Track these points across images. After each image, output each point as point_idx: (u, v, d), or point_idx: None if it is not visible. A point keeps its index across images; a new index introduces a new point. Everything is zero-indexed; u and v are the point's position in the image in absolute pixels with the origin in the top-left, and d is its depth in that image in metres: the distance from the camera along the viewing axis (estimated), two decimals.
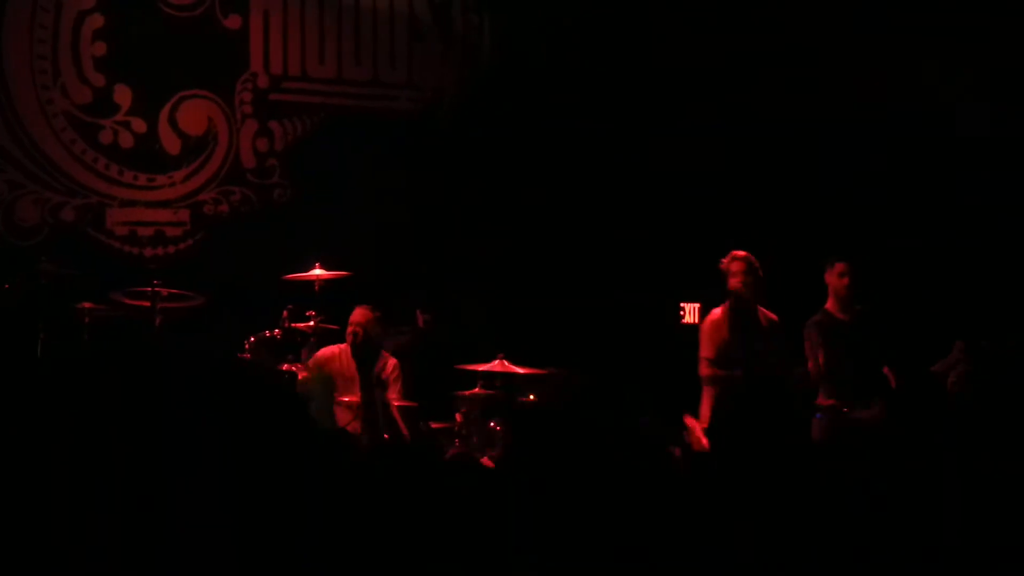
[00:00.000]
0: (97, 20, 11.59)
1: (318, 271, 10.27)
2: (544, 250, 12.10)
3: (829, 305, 9.59)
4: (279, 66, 12.08)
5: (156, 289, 10.02)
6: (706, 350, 9.31)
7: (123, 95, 11.62)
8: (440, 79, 12.55)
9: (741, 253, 9.35)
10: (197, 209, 11.78)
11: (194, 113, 11.82)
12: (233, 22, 11.94)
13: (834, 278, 9.59)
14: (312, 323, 10.05)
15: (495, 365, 9.90)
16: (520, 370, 9.93)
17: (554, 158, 12.30)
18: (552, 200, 12.28)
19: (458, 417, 10.03)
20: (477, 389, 10.03)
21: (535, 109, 12.42)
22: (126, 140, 11.64)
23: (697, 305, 11.28)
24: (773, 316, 9.42)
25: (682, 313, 11.60)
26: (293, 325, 9.99)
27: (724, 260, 9.40)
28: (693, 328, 10.86)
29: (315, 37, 12.16)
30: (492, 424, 9.92)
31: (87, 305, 10.07)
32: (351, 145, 12.02)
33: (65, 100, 11.52)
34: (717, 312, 9.42)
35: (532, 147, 12.30)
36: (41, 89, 11.44)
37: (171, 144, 11.75)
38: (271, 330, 9.97)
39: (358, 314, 10.21)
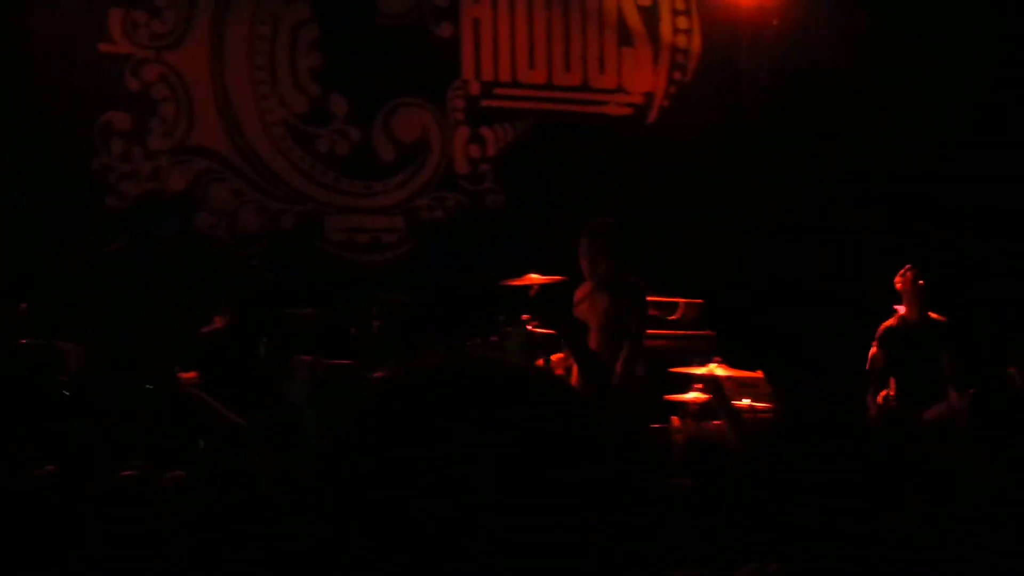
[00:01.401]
0: (313, 31, 11.83)
1: (534, 276, 10.36)
2: (756, 251, 12.05)
3: (903, 310, 9.78)
4: (490, 73, 12.22)
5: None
6: None
7: (339, 104, 11.85)
8: (649, 83, 12.57)
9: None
10: (412, 215, 11.96)
11: (408, 121, 12.01)
12: (445, 30, 12.11)
13: (904, 282, 9.71)
14: (528, 327, 10.12)
15: (710, 369, 9.91)
16: (736, 374, 9.94)
17: (763, 160, 12.24)
18: (763, 202, 12.22)
19: (675, 421, 10.04)
20: (693, 393, 10.03)
21: (743, 110, 12.40)
22: (342, 148, 11.87)
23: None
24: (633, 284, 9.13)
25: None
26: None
27: None
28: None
29: (525, 43, 12.27)
30: (708, 429, 9.91)
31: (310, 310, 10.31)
32: (561, 149, 12.10)
33: (283, 110, 11.79)
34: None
35: (741, 149, 12.27)
36: (260, 99, 11.71)
37: (385, 151, 11.95)
38: (487, 336, 10.06)
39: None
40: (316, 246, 11.70)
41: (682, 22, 12.62)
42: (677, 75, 12.62)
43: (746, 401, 9.94)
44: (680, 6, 12.62)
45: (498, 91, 12.22)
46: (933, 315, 9.87)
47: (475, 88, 12.17)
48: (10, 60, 10.85)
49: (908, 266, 9.86)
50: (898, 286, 9.87)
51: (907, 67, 12.08)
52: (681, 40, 12.64)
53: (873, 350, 9.90)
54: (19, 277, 10.48)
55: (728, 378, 9.95)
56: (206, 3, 11.60)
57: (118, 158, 11.27)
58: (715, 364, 9.92)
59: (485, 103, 12.18)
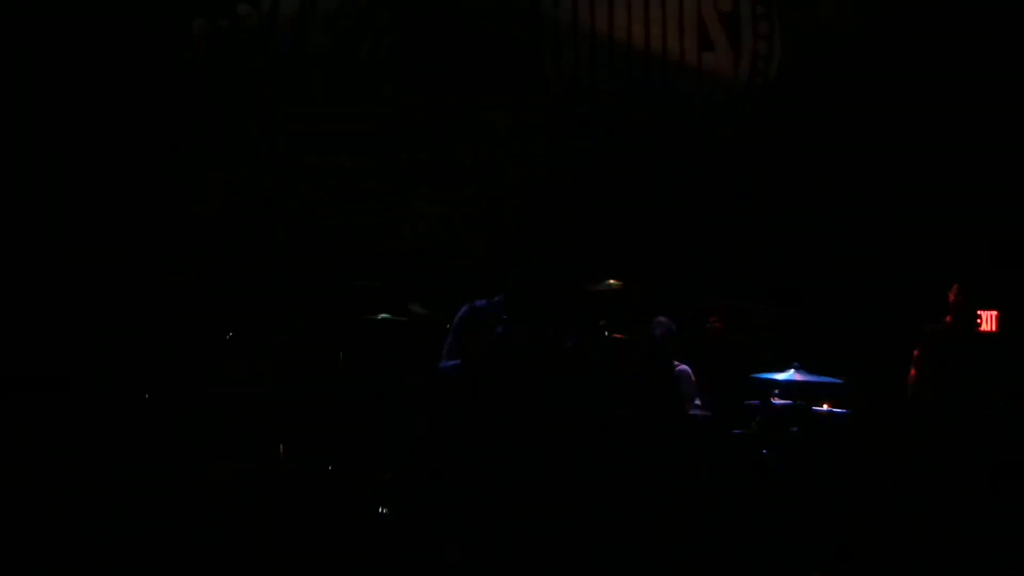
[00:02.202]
0: (393, 38, 11.92)
1: (613, 282, 10.35)
2: (837, 255, 11.96)
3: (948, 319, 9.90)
4: (570, 79, 12.21)
5: None
6: None
7: (419, 111, 11.91)
8: (730, 88, 12.51)
9: None
10: (491, 222, 11.99)
11: (488, 126, 12.04)
12: (525, 37, 12.12)
13: (953, 295, 9.75)
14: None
15: (790, 374, 9.88)
16: (815, 379, 9.89)
17: (842, 167, 12.16)
18: (841, 207, 12.13)
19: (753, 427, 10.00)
20: (772, 399, 9.99)
21: (826, 117, 12.30)
22: (422, 156, 11.93)
23: (994, 313, 11.01)
24: None
25: (979, 321, 11.34)
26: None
27: None
28: (989, 337, 10.65)
29: (605, 48, 12.25)
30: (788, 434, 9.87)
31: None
32: (642, 155, 12.07)
33: (363, 117, 11.88)
34: None
35: (822, 155, 12.18)
36: (341, 106, 11.81)
37: (465, 159, 11.99)
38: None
39: (657, 323, 10.31)
40: (394, 252, 11.76)
41: (763, 28, 12.54)
42: (758, 80, 12.55)
43: (825, 407, 9.93)
44: (761, 11, 12.55)
45: (578, 96, 12.21)
46: (980, 329, 9.95)
47: (555, 92, 12.17)
48: (94, 70, 10.99)
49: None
50: (950, 298, 9.94)
51: (992, 75, 11.95)
52: (762, 46, 12.56)
53: (916, 353, 9.95)
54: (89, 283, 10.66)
55: (807, 383, 9.92)
56: (288, 11, 11.72)
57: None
58: (793, 370, 9.90)
59: (565, 108, 12.17)
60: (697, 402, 10.31)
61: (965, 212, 11.72)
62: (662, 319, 10.49)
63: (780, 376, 9.97)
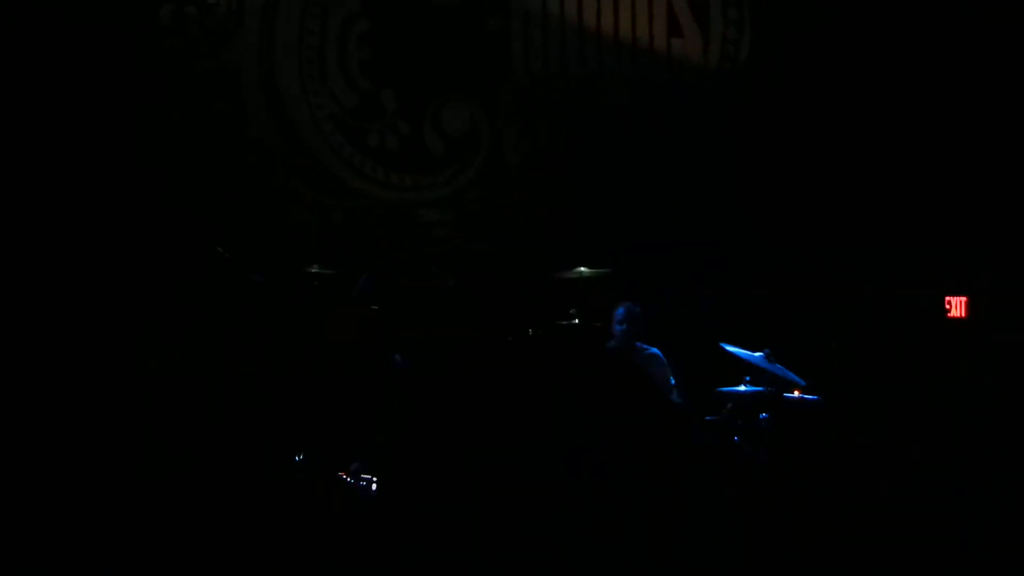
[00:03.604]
0: (363, 25, 11.91)
1: (582, 269, 10.36)
2: (808, 244, 11.96)
3: None
4: (539, 65, 12.18)
5: None
6: None
7: (389, 98, 11.91)
8: (699, 75, 12.49)
9: None
10: (462, 209, 11.97)
11: (457, 114, 12.02)
12: (494, 23, 12.10)
13: None
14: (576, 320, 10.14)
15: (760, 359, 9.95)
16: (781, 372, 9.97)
17: (815, 152, 12.14)
18: (816, 197, 12.12)
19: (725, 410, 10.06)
20: (743, 385, 10.04)
21: (795, 104, 12.29)
22: (392, 143, 11.93)
23: (963, 299, 11.04)
24: None
25: (948, 307, 11.37)
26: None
27: None
28: (960, 323, 10.69)
29: (575, 35, 12.22)
30: (759, 419, 9.91)
31: None
32: (612, 141, 12.05)
33: (333, 104, 11.87)
34: None
35: (791, 140, 12.17)
36: (310, 94, 11.80)
37: (435, 145, 11.98)
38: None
39: (624, 310, 10.37)
40: (365, 240, 11.76)
41: (732, 13, 12.52)
42: (727, 66, 12.53)
43: (796, 393, 9.98)
44: None
45: (548, 83, 12.18)
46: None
47: (525, 80, 12.15)
48: (59, 55, 10.95)
49: None
50: None
51: (970, 51, 11.93)
52: (732, 31, 12.54)
53: None
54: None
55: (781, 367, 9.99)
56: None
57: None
58: (763, 355, 9.95)
59: (535, 95, 12.15)
60: (672, 382, 10.36)
61: (937, 193, 11.72)
62: (626, 304, 10.55)
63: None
